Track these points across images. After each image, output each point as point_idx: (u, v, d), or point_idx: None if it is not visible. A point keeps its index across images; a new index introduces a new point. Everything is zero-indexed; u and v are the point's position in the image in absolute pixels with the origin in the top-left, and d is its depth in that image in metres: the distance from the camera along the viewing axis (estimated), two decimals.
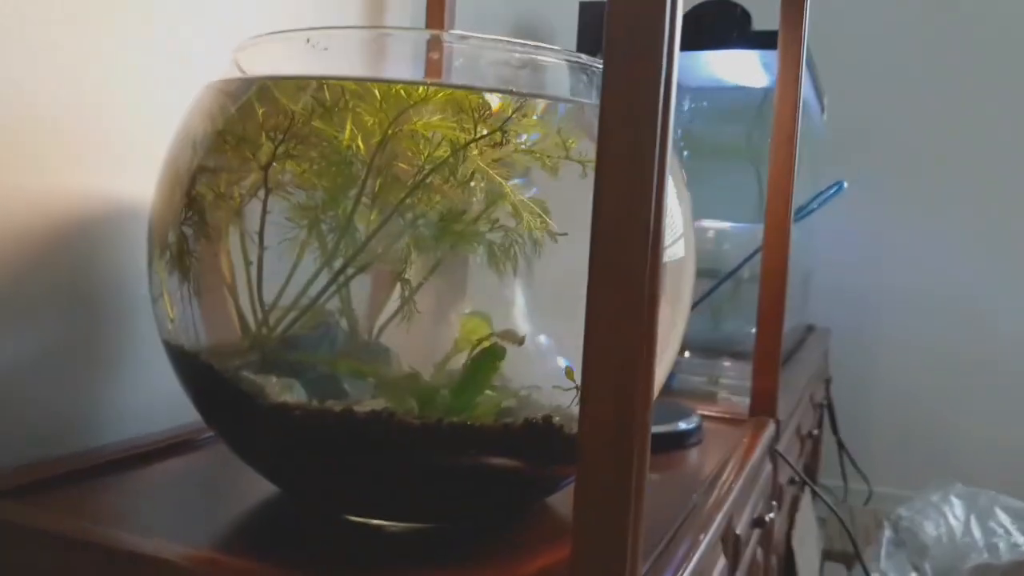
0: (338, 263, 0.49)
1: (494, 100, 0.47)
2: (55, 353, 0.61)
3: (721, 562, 0.61)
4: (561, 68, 0.54)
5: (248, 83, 0.49)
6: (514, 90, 0.47)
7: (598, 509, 0.35)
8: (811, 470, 1.66)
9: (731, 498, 0.63)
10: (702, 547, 0.52)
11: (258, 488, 0.54)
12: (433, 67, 0.55)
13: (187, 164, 0.49)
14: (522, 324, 0.54)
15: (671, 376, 1.12)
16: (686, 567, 0.49)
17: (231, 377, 0.48)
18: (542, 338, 0.52)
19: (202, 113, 0.50)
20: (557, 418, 0.48)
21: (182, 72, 0.68)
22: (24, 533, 0.48)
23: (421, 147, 0.48)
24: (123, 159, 0.64)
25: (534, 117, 0.50)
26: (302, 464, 0.49)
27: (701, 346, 1.27)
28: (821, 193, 1.24)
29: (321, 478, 0.50)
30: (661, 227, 0.35)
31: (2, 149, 0.55)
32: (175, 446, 0.63)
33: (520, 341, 0.48)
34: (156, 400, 0.67)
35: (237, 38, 0.53)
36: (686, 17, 1.24)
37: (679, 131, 1.48)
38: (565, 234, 0.50)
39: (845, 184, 1.24)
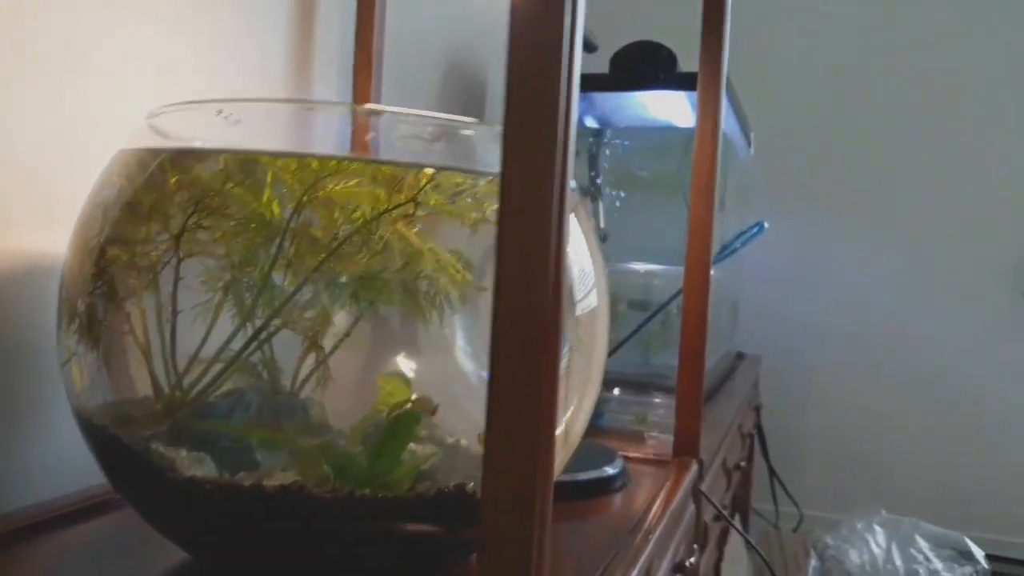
0: (253, 326, 0.49)
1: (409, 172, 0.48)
2: None
3: None
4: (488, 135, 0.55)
5: (156, 154, 0.49)
6: (425, 164, 0.48)
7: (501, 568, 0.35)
8: (742, 499, 1.69)
9: (649, 546, 0.64)
10: None
11: (171, 554, 0.53)
12: (358, 139, 0.55)
13: (97, 232, 0.49)
14: (449, 373, 0.54)
15: (599, 415, 1.13)
16: None
17: (141, 449, 0.47)
18: (471, 387, 0.53)
19: (112, 181, 0.49)
20: (471, 484, 0.48)
21: (108, 131, 0.67)
22: None
23: (336, 215, 0.48)
24: (45, 217, 0.63)
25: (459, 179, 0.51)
26: (214, 535, 0.49)
27: (631, 381, 1.29)
28: (743, 233, 1.27)
29: (234, 549, 0.50)
30: (561, 292, 0.36)
31: None
32: (87, 509, 0.61)
33: (433, 411, 0.49)
34: (68, 459, 0.65)
35: (160, 100, 0.53)
36: (614, 58, 1.27)
37: (601, 169, 1.50)
38: (485, 288, 0.51)
39: (766, 224, 1.27)
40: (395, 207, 0.47)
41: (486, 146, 0.52)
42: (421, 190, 0.47)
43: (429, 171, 0.48)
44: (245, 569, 0.52)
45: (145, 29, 0.72)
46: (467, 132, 0.53)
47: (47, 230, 0.64)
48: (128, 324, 0.49)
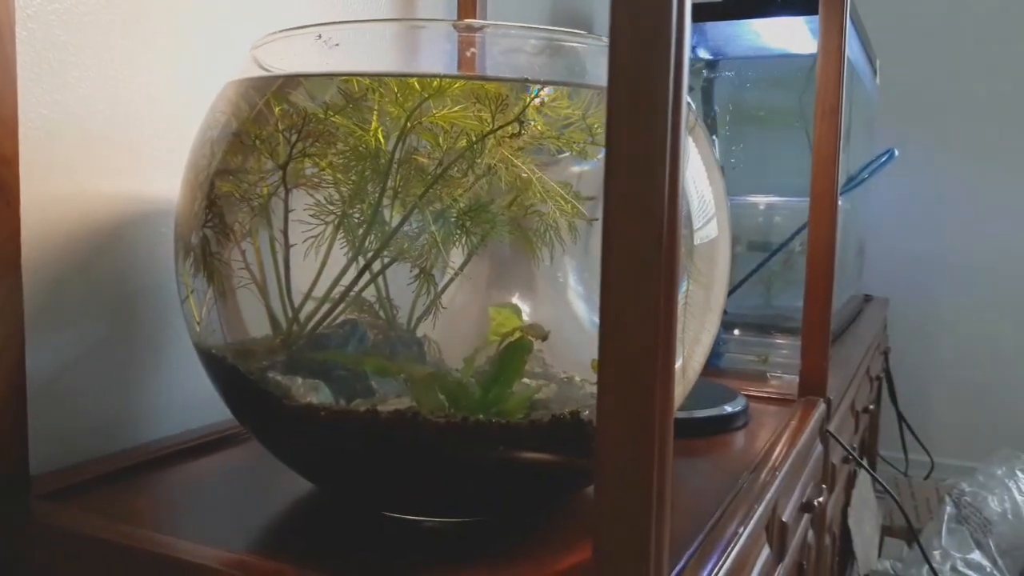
0: (364, 258, 0.48)
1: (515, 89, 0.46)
2: (98, 355, 0.62)
3: (765, 551, 0.59)
4: (596, 51, 0.53)
5: (256, 83, 0.49)
6: (529, 78, 0.46)
7: (617, 507, 0.34)
8: (869, 445, 1.62)
9: (775, 484, 0.61)
10: (742, 539, 0.50)
11: (296, 485, 0.54)
12: (467, 59, 0.54)
13: (206, 165, 0.49)
14: (561, 311, 0.53)
15: (718, 356, 1.10)
16: (725, 559, 0.48)
17: (257, 379, 0.48)
18: (583, 325, 0.51)
19: (218, 114, 0.50)
20: (586, 412, 0.47)
21: (210, 71, 0.68)
22: (64, 535, 0.49)
23: (441, 140, 0.47)
24: (158, 162, 0.65)
25: (566, 102, 0.49)
26: (334, 463, 0.49)
27: (752, 323, 1.25)
28: (871, 162, 1.19)
29: (353, 476, 0.50)
30: (677, 211, 0.34)
31: (40, 159, 0.56)
32: (214, 443, 0.63)
33: (544, 336, 0.47)
34: (195, 397, 0.67)
35: (262, 32, 0.52)
36: None
37: (717, 103, 1.44)
38: (597, 219, 0.49)
39: (896, 152, 1.19)
40: (499, 128, 0.45)
41: (596, 60, 0.50)
42: (526, 107, 0.45)
43: (536, 88, 0.46)
44: (364, 496, 0.52)
45: None
46: (575, 44, 0.50)
47: (156, 175, 0.65)
48: (241, 256, 0.49)
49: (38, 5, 0.56)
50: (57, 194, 0.58)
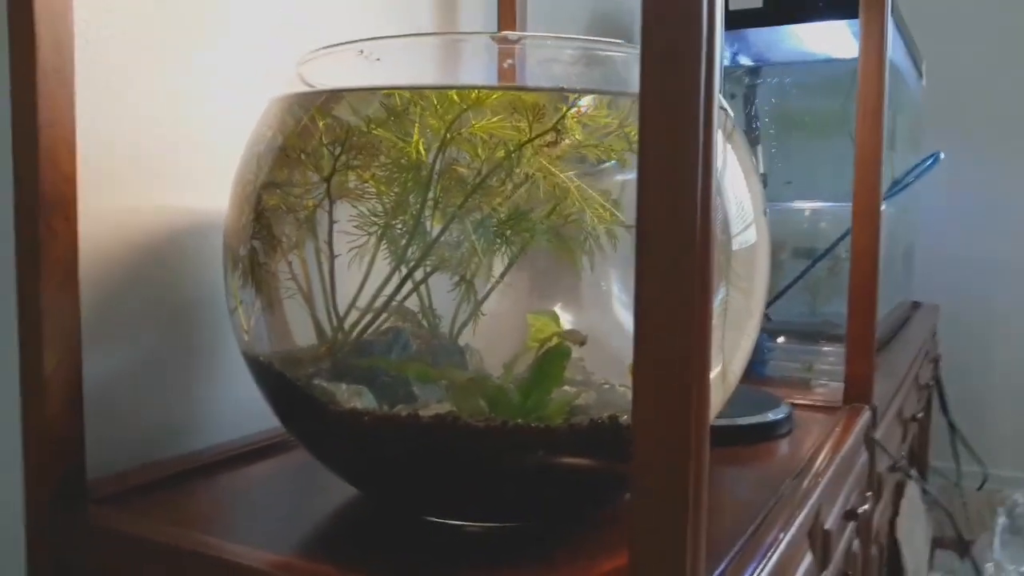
0: (406, 267, 0.49)
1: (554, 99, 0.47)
2: (151, 364, 0.64)
3: (808, 557, 0.59)
4: (632, 59, 0.53)
5: (300, 99, 0.50)
6: (565, 87, 0.46)
7: (652, 512, 0.34)
8: (920, 455, 1.59)
9: (818, 491, 0.61)
10: (783, 544, 0.50)
11: (342, 490, 0.56)
12: (505, 70, 0.55)
13: (253, 179, 0.51)
14: (602, 319, 0.53)
15: (763, 364, 1.09)
16: (765, 564, 0.48)
17: (303, 385, 0.49)
18: (624, 332, 0.52)
19: (265, 128, 0.51)
20: (624, 416, 0.47)
21: (257, 88, 0.70)
22: (119, 539, 0.50)
23: (479, 150, 0.48)
24: (208, 177, 0.67)
25: (604, 111, 0.49)
26: (377, 467, 0.50)
27: (798, 330, 1.24)
28: (917, 166, 1.18)
29: (396, 480, 0.51)
30: (710, 216, 0.34)
31: (99, 174, 0.58)
32: (262, 449, 0.65)
33: (582, 341, 0.48)
34: (245, 405, 0.69)
35: (307, 49, 0.54)
36: None
37: (759, 110, 1.43)
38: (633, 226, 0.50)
39: (942, 155, 1.18)
40: (535, 137, 0.46)
41: (632, 69, 0.50)
42: (562, 117, 0.46)
43: (573, 97, 0.46)
44: (406, 501, 0.53)
45: None
46: (612, 54, 0.51)
47: (207, 189, 0.67)
48: (287, 267, 0.51)
49: (95, 30, 0.58)
50: (113, 209, 0.60)
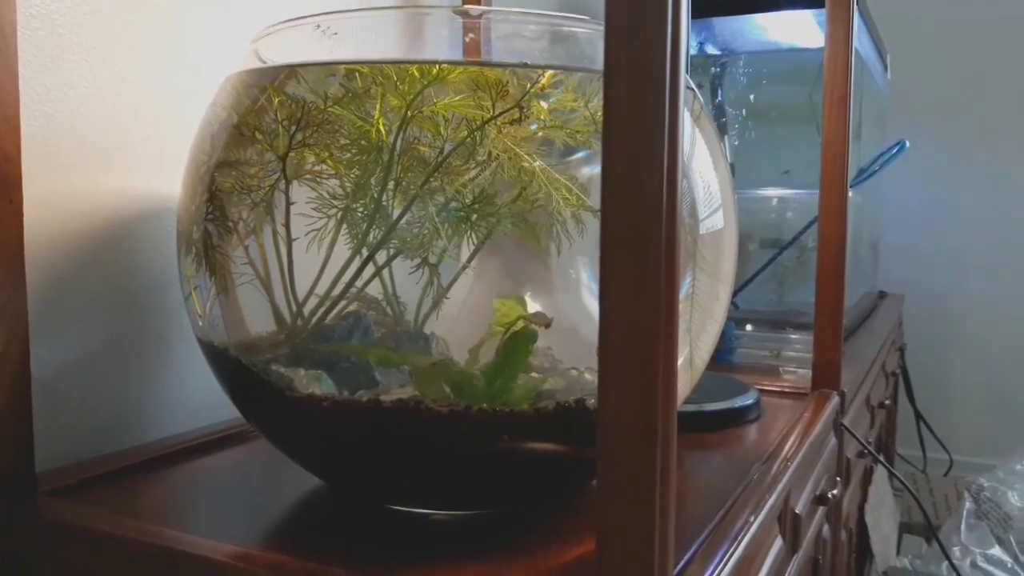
0: (368, 250, 0.48)
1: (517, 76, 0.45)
2: (103, 352, 0.62)
3: (778, 542, 0.59)
4: (598, 36, 0.52)
5: (254, 75, 0.49)
6: (528, 63, 0.45)
7: (620, 498, 0.33)
8: (886, 441, 1.60)
9: (787, 475, 0.60)
10: (752, 528, 0.50)
11: (303, 480, 0.54)
12: (468, 45, 0.53)
13: (206, 159, 0.49)
14: (570, 305, 0.52)
15: (731, 352, 1.09)
16: (735, 548, 0.47)
17: (260, 371, 0.47)
18: (592, 319, 0.51)
19: (219, 106, 0.49)
20: (591, 400, 0.46)
21: (212, 66, 0.68)
22: (71, 531, 0.49)
23: (442, 129, 0.47)
24: (161, 158, 0.65)
25: (571, 95, 0.48)
26: (338, 455, 0.49)
27: (766, 318, 1.24)
28: (882, 154, 1.18)
29: (358, 468, 0.49)
30: (676, 196, 0.33)
31: (44, 159, 0.56)
32: (221, 440, 0.63)
33: (547, 324, 0.47)
34: (201, 395, 0.67)
35: (262, 25, 0.52)
36: None
37: (726, 99, 1.43)
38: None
39: (907, 143, 1.18)
40: (499, 114, 0.45)
41: (598, 46, 0.49)
42: (527, 94, 0.45)
43: (538, 73, 0.45)
44: (369, 489, 0.52)
45: None
46: (576, 30, 0.50)
47: (158, 172, 0.65)
48: (243, 251, 0.49)
49: (40, 4, 0.56)
50: (60, 191, 0.58)
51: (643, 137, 0.33)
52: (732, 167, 1.39)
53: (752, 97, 1.45)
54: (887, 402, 1.40)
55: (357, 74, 0.46)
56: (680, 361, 0.53)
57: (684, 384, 0.54)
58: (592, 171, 0.50)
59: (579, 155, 0.50)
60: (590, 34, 0.50)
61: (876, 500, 1.13)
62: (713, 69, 1.43)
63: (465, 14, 0.52)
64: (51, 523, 0.50)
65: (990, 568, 1.19)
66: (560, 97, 0.48)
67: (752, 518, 0.50)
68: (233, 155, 0.48)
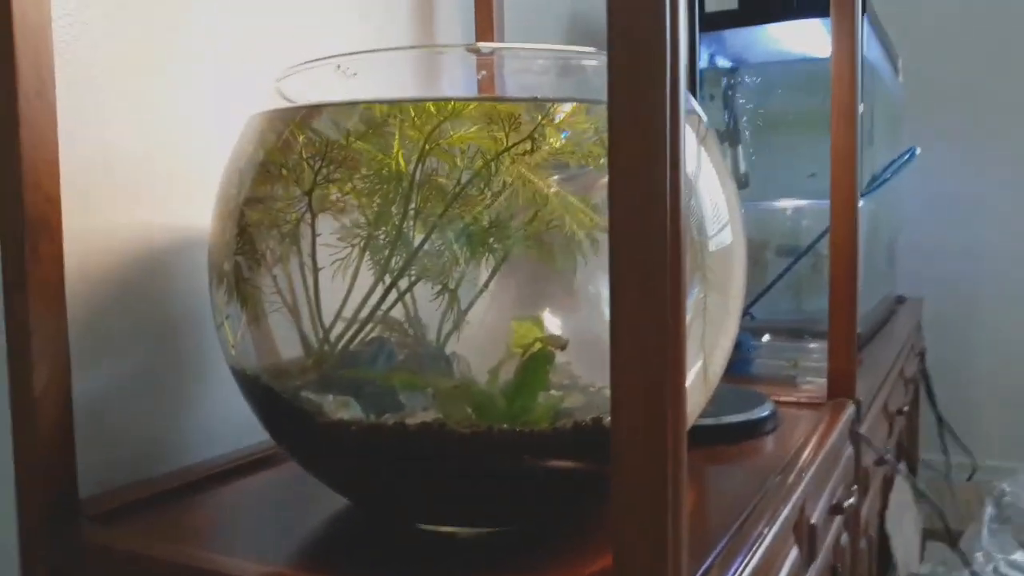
0: (391, 277, 0.50)
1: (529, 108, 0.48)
2: (140, 381, 0.64)
3: (794, 551, 0.60)
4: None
5: (279, 115, 0.51)
6: (539, 97, 0.47)
7: (634, 512, 0.35)
8: (909, 448, 1.60)
9: (802, 486, 0.62)
10: (768, 539, 0.51)
11: (333, 501, 0.56)
12: (481, 81, 0.55)
13: (235, 194, 0.51)
14: (588, 323, 0.54)
15: (748, 362, 1.10)
16: (750, 559, 0.48)
17: (291, 397, 0.50)
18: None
19: (246, 144, 0.52)
20: (607, 418, 0.48)
21: (238, 104, 0.71)
22: (113, 555, 0.51)
23: (458, 160, 0.49)
24: (192, 193, 0.67)
25: (582, 118, 0.50)
26: (367, 477, 0.51)
27: (783, 328, 1.25)
28: (894, 162, 1.19)
29: (387, 489, 0.51)
30: (680, 218, 0.35)
31: (79, 197, 0.59)
32: (255, 463, 0.65)
33: (563, 346, 0.48)
34: (235, 420, 0.69)
35: (286, 65, 0.55)
36: None
37: (739, 110, 1.45)
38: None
39: (918, 150, 1.19)
40: (512, 146, 0.47)
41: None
42: (538, 126, 0.47)
43: (549, 105, 0.47)
44: (397, 509, 0.53)
45: (268, 3, 0.75)
46: (585, 63, 0.52)
47: (189, 205, 0.68)
48: (272, 281, 0.51)
49: (75, 50, 0.58)
50: (95, 227, 0.61)
51: (646, 168, 0.35)
52: (747, 176, 1.40)
53: (766, 107, 1.46)
54: (906, 409, 1.41)
55: (377, 111, 0.48)
56: (693, 377, 0.55)
57: (698, 398, 0.56)
58: (603, 189, 0.52)
59: (592, 175, 0.52)
60: (598, 65, 0.52)
61: (898, 507, 1.14)
62: (725, 81, 1.45)
63: (478, 52, 0.55)
64: (94, 548, 0.52)
65: (1013, 573, 1.19)
66: (573, 122, 0.50)
67: (767, 529, 0.52)
68: (261, 191, 0.51)
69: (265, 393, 0.51)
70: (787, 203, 1.39)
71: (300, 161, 0.49)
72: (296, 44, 0.77)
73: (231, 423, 0.70)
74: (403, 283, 0.50)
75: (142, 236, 0.64)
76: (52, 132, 0.52)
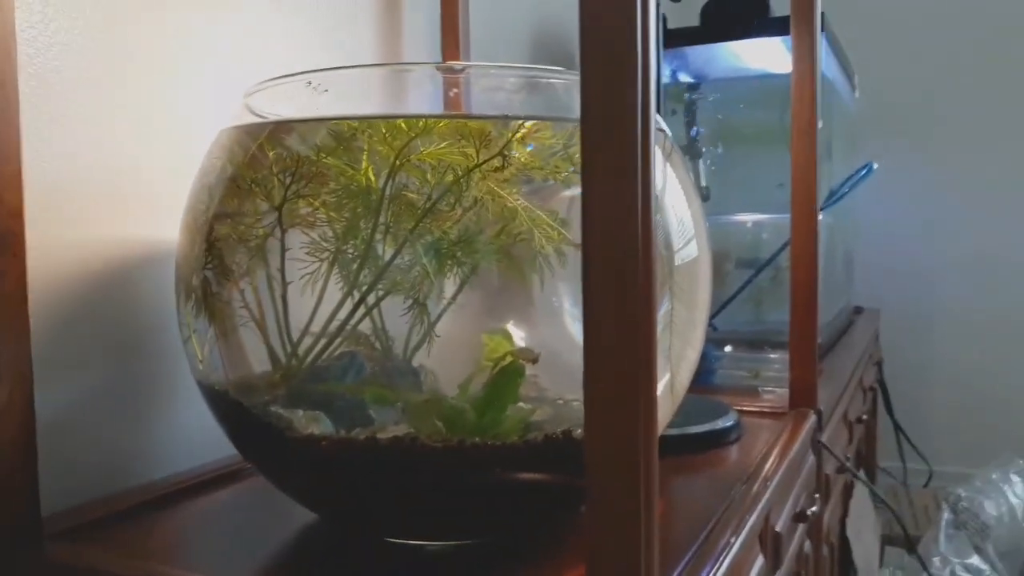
0: (359, 291, 0.50)
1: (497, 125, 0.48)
2: (105, 397, 0.64)
3: (759, 560, 0.61)
4: (573, 85, 0.55)
5: (249, 130, 0.51)
6: (508, 115, 0.48)
7: (608, 523, 0.35)
8: (867, 456, 1.63)
9: (767, 494, 0.63)
10: (735, 547, 0.52)
11: (302, 516, 0.56)
12: (451, 98, 0.56)
13: (204, 209, 0.51)
14: (556, 336, 0.55)
15: (711, 373, 1.12)
16: (718, 568, 0.49)
17: (260, 412, 0.49)
18: (578, 348, 0.53)
19: (214, 158, 0.52)
20: (578, 430, 0.48)
21: (206, 119, 0.70)
22: (77, 574, 0.50)
23: (428, 176, 0.49)
24: (159, 208, 0.67)
25: (549, 133, 0.51)
26: (336, 491, 0.51)
27: (744, 339, 1.27)
28: (851, 177, 1.22)
29: (356, 503, 0.51)
30: (651, 233, 0.36)
31: (47, 208, 0.58)
32: (220, 478, 0.65)
33: (535, 359, 0.49)
34: (201, 435, 0.69)
35: (252, 82, 0.55)
36: (704, 9, 1.24)
37: (700, 125, 1.47)
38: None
39: (875, 165, 1.22)
40: (483, 163, 0.47)
41: (573, 95, 0.52)
42: (508, 143, 0.47)
43: (518, 123, 0.48)
44: (367, 523, 0.53)
45: (234, 18, 0.75)
46: (552, 80, 0.52)
47: (156, 220, 0.67)
48: (240, 296, 0.51)
49: (39, 63, 0.58)
50: (61, 241, 0.60)
51: (617, 180, 0.35)
52: (707, 190, 1.43)
53: (726, 122, 1.48)
54: (865, 417, 1.44)
55: (346, 127, 0.48)
56: (661, 388, 0.56)
57: (666, 409, 0.57)
58: (570, 203, 0.52)
59: (558, 190, 0.53)
60: (566, 84, 0.53)
61: (857, 514, 1.16)
62: (687, 96, 1.47)
63: (448, 70, 0.55)
64: (58, 567, 0.51)
65: None
66: (539, 137, 0.50)
67: (734, 538, 0.53)
68: (229, 205, 0.51)
69: (233, 408, 0.51)
70: (747, 217, 1.41)
71: (270, 176, 0.49)
72: (263, 62, 0.77)
73: (197, 438, 0.69)
74: (372, 298, 0.50)
75: (108, 250, 0.63)
76: (15, 146, 0.51)
